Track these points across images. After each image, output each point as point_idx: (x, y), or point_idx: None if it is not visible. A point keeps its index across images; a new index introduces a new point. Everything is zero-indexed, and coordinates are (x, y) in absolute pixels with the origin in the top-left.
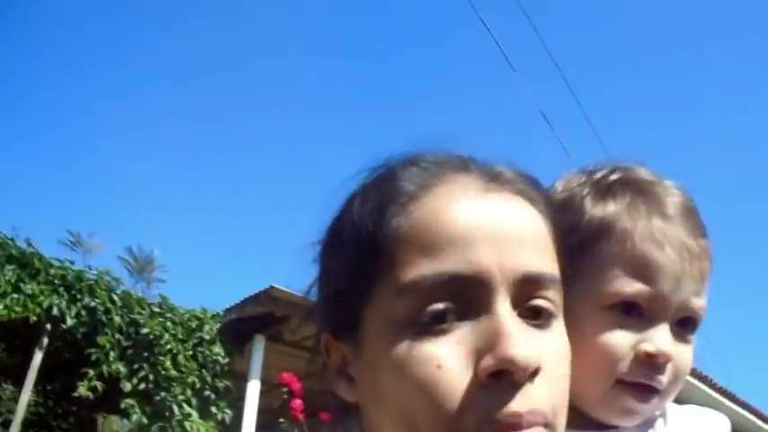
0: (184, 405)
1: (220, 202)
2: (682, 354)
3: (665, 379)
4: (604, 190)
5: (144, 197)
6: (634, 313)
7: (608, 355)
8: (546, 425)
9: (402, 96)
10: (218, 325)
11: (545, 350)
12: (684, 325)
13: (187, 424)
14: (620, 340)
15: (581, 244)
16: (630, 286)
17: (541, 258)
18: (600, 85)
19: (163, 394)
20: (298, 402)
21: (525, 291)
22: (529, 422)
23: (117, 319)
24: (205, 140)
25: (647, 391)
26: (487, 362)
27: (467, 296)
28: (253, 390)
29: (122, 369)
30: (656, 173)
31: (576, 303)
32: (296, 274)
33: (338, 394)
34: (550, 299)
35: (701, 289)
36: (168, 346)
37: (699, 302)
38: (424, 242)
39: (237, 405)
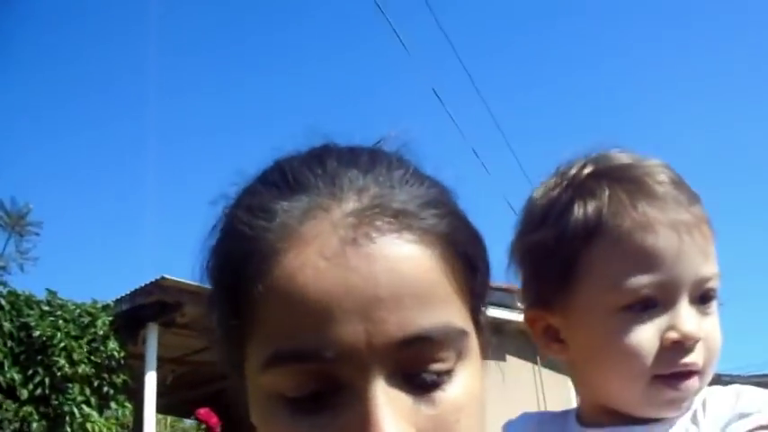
0: (84, 406)
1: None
2: (708, 327)
3: (699, 359)
4: (580, 188)
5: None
6: (650, 306)
7: (636, 354)
8: None
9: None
10: (111, 318)
11: (437, 419)
12: (703, 298)
13: (89, 425)
14: (644, 336)
15: (574, 252)
16: (637, 282)
17: (427, 311)
18: (495, 67)
19: (61, 398)
20: None
21: (408, 357)
22: None
23: (7, 325)
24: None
25: (685, 377)
26: None
27: (336, 377)
28: (150, 381)
29: (17, 376)
30: (631, 153)
31: (588, 312)
32: (187, 265)
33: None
34: (442, 358)
35: (708, 256)
36: (62, 345)
37: (709, 271)
38: (280, 317)
39: (137, 397)
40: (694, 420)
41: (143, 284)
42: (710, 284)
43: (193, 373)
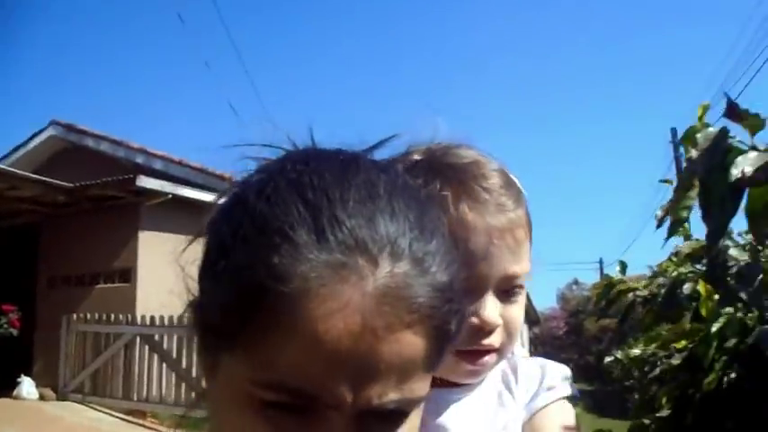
0: None
1: None
2: (510, 314)
3: (497, 341)
4: (413, 177)
5: None
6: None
7: None
8: None
9: None
10: None
11: None
12: (508, 291)
13: None
14: None
15: None
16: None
17: (404, 386)
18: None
19: None
20: None
21: (378, 415)
22: None
23: None
24: None
25: (482, 355)
26: None
27: (319, 407)
28: None
29: None
30: (472, 153)
31: None
32: None
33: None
34: (405, 415)
35: (518, 256)
36: None
37: (517, 270)
38: (284, 351)
39: None
40: (508, 387)
41: None
42: (517, 281)
43: None
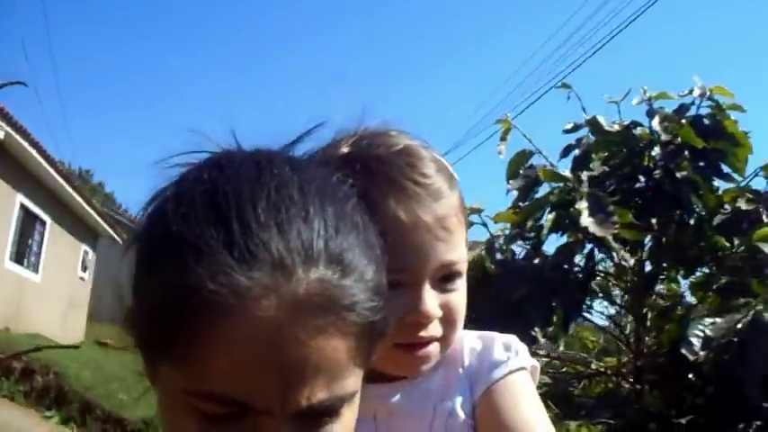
0: None
1: None
2: (450, 302)
3: (437, 332)
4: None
5: None
6: (395, 287)
7: None
8: None
9: None
10: None
11: None
12: (447, 278)
13: None
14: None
15: None
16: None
17: (334, 386)
18: None
19: None
20: None
21: (311, 415)
22: None
23: None
24: None
25: (423, 346)
26: None
27: (253, 415)
28: None
29: None
30: (398, 136)
31: None
32: None
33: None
34: (337, 414)
35: (452, 245)
36: None
37: (452, 257)
38: (213, 363)
39: None
40: (453, 369)
41: None
42: (454, 268)
43: None
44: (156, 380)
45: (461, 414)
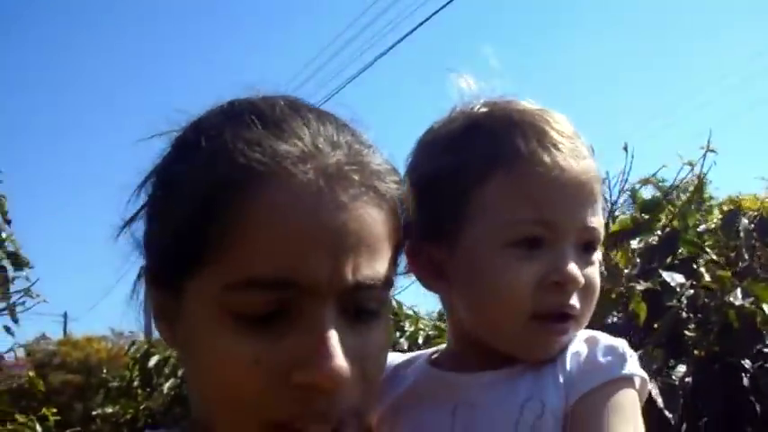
0: None
1: None
2: (589, 275)
3: (578, 304)
4: (483, 126)
5: None
6: (535, 246)
7: (517, 290)
8: (356, 414)
9: None
10: None
11: (365, 349)
12: (586, 247)
13: None
14: (527, 273)
15: (469, 186)
16: (527, 220)
17: (375, 262)
18: None
19: None
20: None
21: (354, 297)
22: (338, 418)
23: None
24: None
25: (562, 320)
26: (302, 377)
27: (295, 301)
28: None
29: None
30: (534, 103)
31: (475, 246)
32: None
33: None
34: (378, 300)
35: (596, 210)
36: None
37: (596, 223)
38: (257, 241)
39: None
40: (553, 369)
41: None
42: (595, 235)
43: None
44: (178, 308)
45: (551, 418)
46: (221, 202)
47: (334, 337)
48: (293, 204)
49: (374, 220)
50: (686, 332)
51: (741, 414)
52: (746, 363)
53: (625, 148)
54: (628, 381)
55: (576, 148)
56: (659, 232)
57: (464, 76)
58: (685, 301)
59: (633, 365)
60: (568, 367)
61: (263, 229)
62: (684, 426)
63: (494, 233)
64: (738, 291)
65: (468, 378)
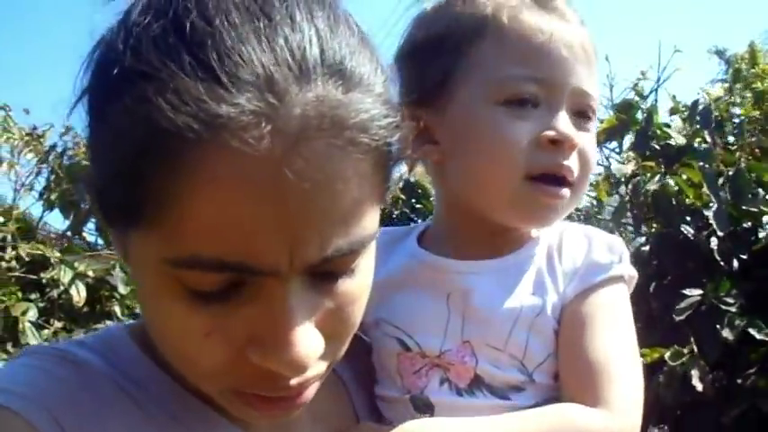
0: None
1: None
2: (585, 141)
3: (574, 167)
4: None
5: None
6: (530, 105)
7: (510, 147)
8: (321, 376)
9: None
10: None
11: (337, 312)
12: (582, 114)
13: None
14: (520, 131)
15: (460, 46)
16: (521, 78)
17: (351, 229)
18: None
19: None
20: None
21: (325, 266)
22: (303, 387)
23: None
24: None
25: (557, 184)
26: (258, 359)
27: (251, 278)
28: None
29: None
30: None
31: (467, 106)
32: None
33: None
34: (351, 262)
35: (592, 75)
36: None
37: (592, 88)
38: (199, 218)
39: None
40: (550, 264)
41: None
42: (591, 101)
43: None
44: (128, 250)
45: (550, 314)
46: (150, 170)
47: (295, 319)
48: (241, 180)
49: (350, 183)
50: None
51: (695, 270)
52: (688, 230)
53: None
54: (623, 278)
55: (571, 14)
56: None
57: None
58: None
59: (628, 264)
60: (567, 262)
61: (206, 206)
62: (653, 285)
63: (486, 91)
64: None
65: (464, 266)
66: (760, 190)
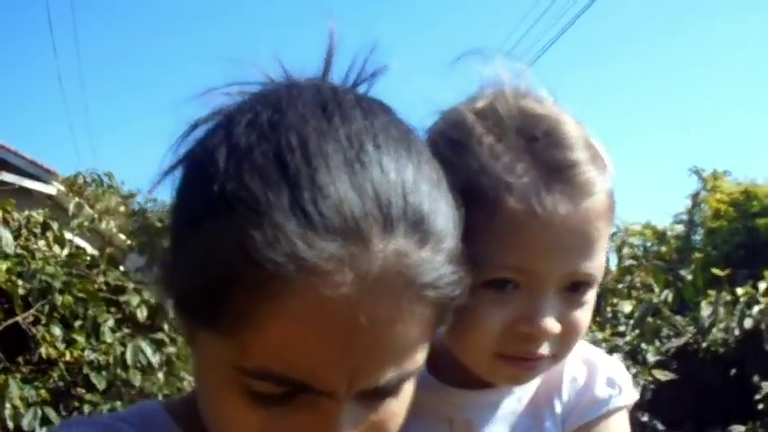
0: None
1: None
2: (573, 318)
3: (547, 351)
4: (472, 136)
5: None
6: (510, 286)
7: (482, 333)
8: None
9: None
10: None
11: (379, 425)
12: (576, 286)
13: None
14: (494, 319)
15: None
16: (501, 263)
17: (404, 362)
18: None
19: None
20: None
21: (376, 391)
22: None
23: None
24: None
25: (529, 361)
26: None
27: (310, 393)
28: None
29: None
30: (546, 105)
31: None
32: None
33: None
34: (399, 389)
35: (592, 252)
36: None
37: (589, 267)
38: (273, 342)
39: None
40: (548, 397)
41: None
42: (588, 278)
43: None
44: (194, 343)
45: None
46: (235, 293)
47: (344, 422)
48: (318, 317)
49: (412, 329)
50: None
51: None
52: None
53: None
54: (623, 410)
55: (582, 182)
56: None
57: (491, 56)
58: None
59: (629, 392)
60: (566, 397)
61: (281, 331)
62: None
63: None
64: None
65: (468, 395)
66: None
